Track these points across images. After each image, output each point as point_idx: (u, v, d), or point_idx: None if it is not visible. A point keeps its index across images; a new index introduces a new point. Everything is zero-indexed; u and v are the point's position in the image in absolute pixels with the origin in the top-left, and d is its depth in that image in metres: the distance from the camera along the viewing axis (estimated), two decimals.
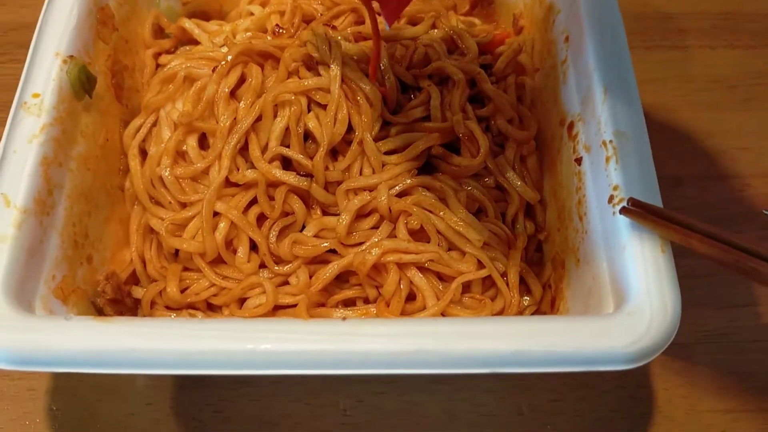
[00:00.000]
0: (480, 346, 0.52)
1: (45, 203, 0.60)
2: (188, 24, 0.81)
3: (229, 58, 0.72)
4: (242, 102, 0.70)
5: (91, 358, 0.52)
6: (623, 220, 0.57)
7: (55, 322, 0.54)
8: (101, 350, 0.52)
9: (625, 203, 0.57)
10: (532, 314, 0.69)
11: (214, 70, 0.72)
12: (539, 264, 0.72)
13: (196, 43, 0.81)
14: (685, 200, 0.82)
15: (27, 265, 0.57)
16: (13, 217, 0.57)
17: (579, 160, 0.65)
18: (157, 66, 0.80)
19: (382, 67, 0.71)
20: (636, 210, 0.56)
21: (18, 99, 0.63)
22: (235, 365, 0.52)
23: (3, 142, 0.61)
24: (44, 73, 0.64)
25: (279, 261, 0.68)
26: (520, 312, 0.68)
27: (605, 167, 0.60)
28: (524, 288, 0.69)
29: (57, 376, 0.71)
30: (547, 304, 0.68)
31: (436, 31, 0.79)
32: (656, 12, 0.95)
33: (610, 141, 0.61)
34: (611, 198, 0.59)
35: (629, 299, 0.54)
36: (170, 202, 0.70)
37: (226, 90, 0.71)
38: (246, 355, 0.52)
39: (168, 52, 0.82)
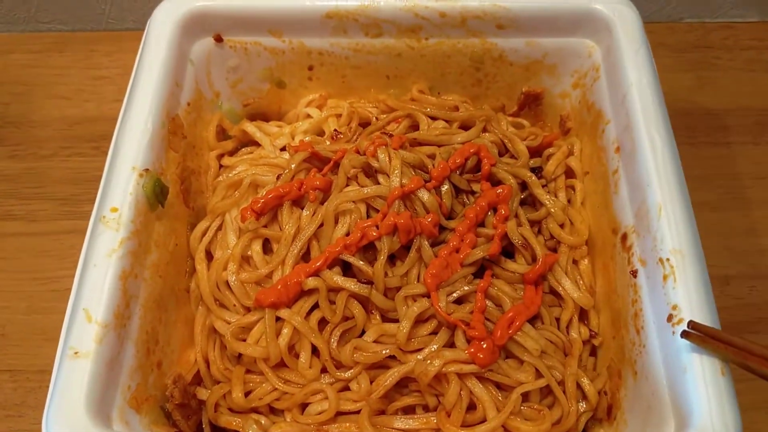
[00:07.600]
0: None
1: (123, 315, 0.63)
2: (250, 127, 0.85)
3: (293, 166, 0.75)
4: (305, 210, 0.73)
5: None
6: (684, 342, 0.58)
7: None
8: None
9: (685, 326, 0.58)
10: (588, 421, 0.70)
11: (278, 178, 0.75)
12: (593, 369, 0.73)
13: (256, 143, 0.85)
14: (733, 300, 0.83)
15: (107, 378, 0.59)
16: (95, 332, 0.60)
17: (634, 273, 0.67)
18: (221, 167, 0.84)
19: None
20: (696, 333, 0.57)
21: (96, 213, 0.66)
22: None
23: (83, 256, 0.64)
24: (122, 187, 0.67)
25: (339, 365, 0.70)
26: (577, 419, 0.69)
27: (663, 285, 0.62)
28: (579, 393, 0.70)
29: None
30: (603, 411, 0.69)
31: (487, 135, 0.81)
32: (700, 108, 0.97)
33: (668, 259, 0.62)
34: (670, 317, 0.60)
35: (692, 422, 0.55)
36: (234, 305, 0.72)
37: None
38: None
39: (230, 153, 0.85)
